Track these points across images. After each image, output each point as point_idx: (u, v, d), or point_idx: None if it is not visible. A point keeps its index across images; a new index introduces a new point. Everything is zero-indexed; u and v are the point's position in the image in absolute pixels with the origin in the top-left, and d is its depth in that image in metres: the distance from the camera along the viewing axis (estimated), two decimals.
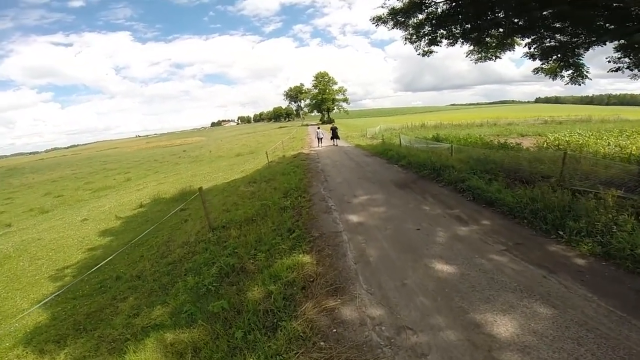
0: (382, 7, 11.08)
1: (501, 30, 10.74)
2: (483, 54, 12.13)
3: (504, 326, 3.13)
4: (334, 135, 23.74)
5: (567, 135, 20.00)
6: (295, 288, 4.12)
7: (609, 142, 15.99)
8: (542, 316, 3.22)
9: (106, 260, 6.44)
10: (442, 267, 4.32)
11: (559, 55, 10.45)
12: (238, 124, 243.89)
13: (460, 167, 8.65)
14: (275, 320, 3.59)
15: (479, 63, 12.80)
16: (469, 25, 10.56)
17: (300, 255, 4.90)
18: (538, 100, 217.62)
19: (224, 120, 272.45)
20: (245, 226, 6.52)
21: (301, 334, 3.29)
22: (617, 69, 9.46)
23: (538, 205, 5.75)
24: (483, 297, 3.62)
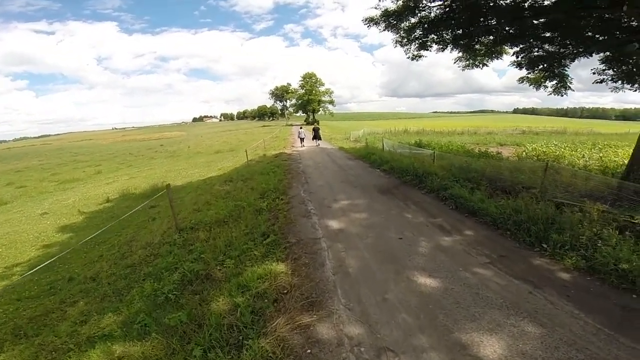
0: (376, 8, 10.90)
1: (491, 37, 10.75)
2: (471, 61, 12.16)
3: (491, 347, 2.89)
4: (316, 136, 23.76)
5: (544, 146, 20.55)
6: (266, 301, 3.72)
7: (583, 155, 16.52)
8: (530, 335, 3.02)
9: (54, 258, 5.75)
10: (426, 281, 4.04)
11: (545, 65, 10.55)
12: (221, 120, 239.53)
13: (443, 175, 8.50)
14: (240, 338, 3.19)
15: (465, 71, 12.85)
16: (460, 31, 10.51)
17: (274, 264, 4.50)
18: (516, 111, 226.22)
19: (206, 116, 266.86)
20: (215, 228, 6.03)
21: (270, 354, 2.92)
22: (602, 81, 9.60)
23: (522, 216, 5.63)
24: (468, 315, 3.37)
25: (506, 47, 11.36)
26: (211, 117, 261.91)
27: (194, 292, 4.19)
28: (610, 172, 10.06)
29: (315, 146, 22.30)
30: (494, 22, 9.98)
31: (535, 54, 10.76)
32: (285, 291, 3.92)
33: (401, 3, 10.52)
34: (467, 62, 12.37)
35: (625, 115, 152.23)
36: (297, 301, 3.72)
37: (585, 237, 4.70)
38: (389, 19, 10.94)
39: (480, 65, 12.34)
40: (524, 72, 11.46)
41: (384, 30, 11.38)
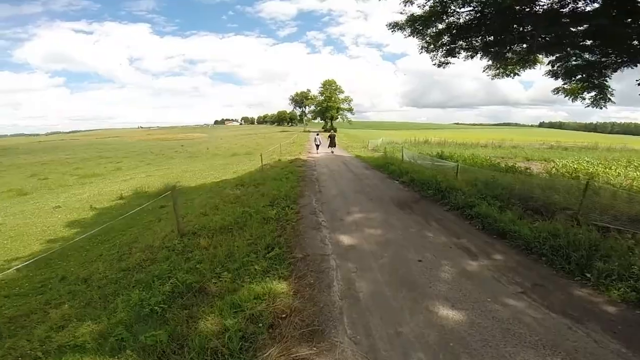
0: (401, 13, 10.41)
1: (525, 45, 10.05)
2: (501, 70, 11.46)
3: None
4: (331, 143, 23.64)
5: (575, 162, 19.29)
6: (260, 325, 3.22)
7: (618, 173, 15.31)
8: None
9: (41, 256, 5.49)
10: (448, 313, 3.45)
11: (583, 75, 9.73)
12: (241, 124, 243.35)
13: (468, 190, 7.80)
14: None
15: (493, 80, 12.15)
16: (491, 38, 9.87)
17: (275, 282, 4.01)
18: (542, 125, 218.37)
19: (227, 119, 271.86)
20: (218, 235, 5.59)
21: None
22: None
23: (560, 241, 4.96)
24: (497, 355, 2.80)
25: (540, 56, 10.64)
26: (232, 120, 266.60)
27: (183, 307, 3.74)
28: None
29: (330, 153, 21.98)
30: (529, 28, 9.33)
31: (573, 63, 9.98)
32: (284, 315, 3.42)
33: (428, 8, 10.05)
34: (497, 71, 11.69)
35: None
36: (295, 328, 3.20)
37: (638, 267, 4.08)
38: (415, 24, 10.45)
39: (512, 75, 11.62)
40: (559, 83, 10.67)
41: (409, 35, 10.91)
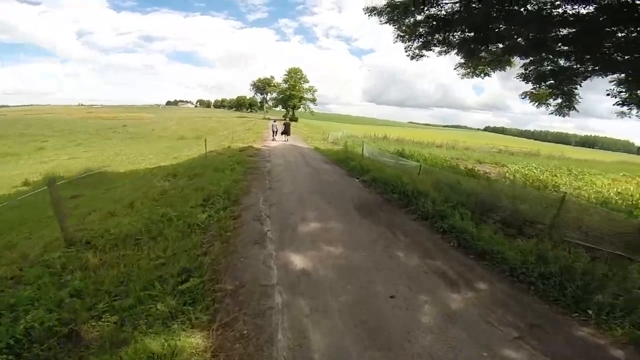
0: None
1: (501, 45, 9.50)
2: (472, 70, 10.89)
3: None
4: (286, 131, 22.60)
5: (525, 168, 19.96)
6: None
7: (564, 181, 15.91)
8: None
9: None
10: None
11: (554, 81, 9.41)
12: (196, 106, 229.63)
13: (436, 197, 6.92)
14: None
15: (463, 79, 11.62)
16: (471, 34, 9.19)
17: (184, 333, 2.64)
18: (487, 129, 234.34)
19: (180, 101, 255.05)
20: (118, 249, 4.00)
21: None
22: (622, 103, 8.54)
23: (551, 268, 4.20)
24: None
25: (513, 58, 10.23)
26: (187, 102, 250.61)
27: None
28: (620, 209, 9.04)
29: (285, 142, 20.84)
30: (513, 27, 8.74)
31: (548, 67, 9.64)
32: None
33: None
34: (468, 70, 11.13)
35: (585, 142, 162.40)
36: None
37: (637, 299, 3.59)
38: (394, 11, 9.50)
39: (482, 75, 11.13)
40: (526, 86, 10.36)
41: (385, 22, 9.95)
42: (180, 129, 38.89)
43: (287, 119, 45.75)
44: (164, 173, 9.21)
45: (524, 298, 3.85)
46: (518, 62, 9.96)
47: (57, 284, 3.45)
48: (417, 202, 6.91)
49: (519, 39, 8.90)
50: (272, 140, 21.58)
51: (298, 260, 4.10)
